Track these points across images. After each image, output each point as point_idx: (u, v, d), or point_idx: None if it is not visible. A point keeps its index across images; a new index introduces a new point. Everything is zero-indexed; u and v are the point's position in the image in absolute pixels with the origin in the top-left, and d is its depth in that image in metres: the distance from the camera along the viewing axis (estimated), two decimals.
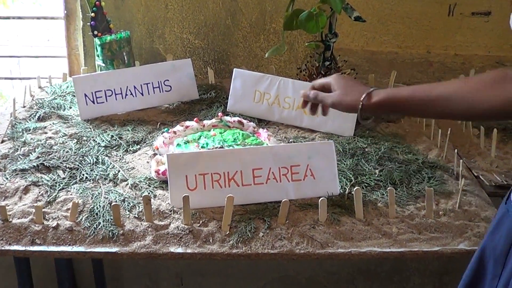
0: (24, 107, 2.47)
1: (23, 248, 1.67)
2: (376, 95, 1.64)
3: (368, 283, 3.23)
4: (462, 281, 1.53)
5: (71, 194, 1.87)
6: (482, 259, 1.46)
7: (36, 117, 2.37)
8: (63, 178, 1.95)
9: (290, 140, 2.26)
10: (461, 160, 2.09)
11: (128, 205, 1.82)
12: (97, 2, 2.47)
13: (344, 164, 2.07)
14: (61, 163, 2.03)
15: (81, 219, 1.76)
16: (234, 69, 2.46)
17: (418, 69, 2.97)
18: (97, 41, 2.48)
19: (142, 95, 2.48)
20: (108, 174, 1.99)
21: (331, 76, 1.76)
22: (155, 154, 2.12)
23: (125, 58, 2.55)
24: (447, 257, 1.73)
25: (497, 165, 2.17)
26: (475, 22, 2.89)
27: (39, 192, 1.88)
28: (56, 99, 2.55)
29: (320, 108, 1.82)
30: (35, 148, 2.12)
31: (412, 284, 3.24)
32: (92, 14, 2.47)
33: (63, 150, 2.11)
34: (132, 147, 2.18)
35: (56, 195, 1.86)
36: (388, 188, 1.83)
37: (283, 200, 1.75)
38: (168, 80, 2.53)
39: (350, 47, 2.94)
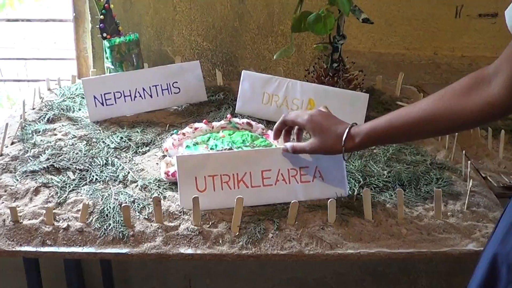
0: (33, 109, 2.48)
1: (34, 249, 1.68)
2: (356, 136, 1.68)
3: (376, 284, 3.23)
4: None
5: (81, 196, 1.88)
6: (494, 266, 1.43)
7: (46, 119, 2.38)
8: (73, 180, 1.96)
9: None
10: (469, 162, 2.09)
11: (138, 206, 1.83)
12: (106, 5, 2.48)
13: (353, 165, 2.08)
14: (71, 164, 2.04)
15: (92, 220, 1.76)
16: (243, 71, 2.47)
17: (426, 70, 2.97)
18: (106, 43, 2.49)
19: (151, 97, 2.49)
20: (118, 175, 2.00)
21: (304, 119, 1.80)
22: (164, 156, 2.12)
23: (134, 60, 2.56)
24: (456, 258, 1.74)
25: (505, 166, 2.17)
26: (482, 23, 2.89)
27: (50, 194, 1.89)
28: (65, 101, 2.56)
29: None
30: (45, 150, 2.13)
31: (420, 286, 3.24)
32: (101, 17, 2.47)
33: (73, 152, 2.12)
34: (141, 148, 2.19)
35: (66, 197, 1.87)
36: (396, 189, 1.84)
37: (292, 201, 1.76)
38: (176, 82, 2.53)
39: (357, 49, 2.94)
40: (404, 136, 1.68)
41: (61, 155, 2.10)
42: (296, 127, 1.90)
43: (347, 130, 1.69)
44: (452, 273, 3.20)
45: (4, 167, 2.03)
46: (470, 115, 1.48)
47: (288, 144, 1.86)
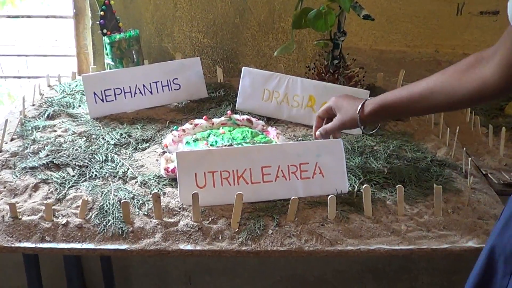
0: (33, 105, 2.48)
1: (33, 245, 1.68)
2: (369, 105, 1.87)
3: (376, 282, 3.23)
4: (471, 281, 1.52)
5: (80, 192, 1.88)
6: (491, 258, 1.45)
7: (46, 115, 2.38)
8: (73, 176, 1.96)
9: (299, 138, 2.26)
10: (469, 158, 2.08)
11: (137, 202, 1.83)
12: (106, 1, 2.48)
13: (353, 162, 2.07)
14: (70, 161, 2.04)
15: (91, 216, 1.76)
16: (243, 67, 2.46)
17: (427, 68, 2.97)
18: (106, 39, 2.49)
19: (151, 93, 2.49)
20: (118, 171, 1.99)
21: (330, 100, 2.02)
22: (164, 152, 2.12)
23: (134, 57, 2.56)
24: (456, 255, 1.73)
25: (505, 163, 2.17)
26: (484, 21, 2.88)
27: (49, 190, 1.89)
28: (65, 97, 2.56)
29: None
30: (44, 146, 2.13)
31: (420, 283, 3.24)
32: (101, 13, 2.47)
33: (73, 148, 2.12)
34: (141, 145, 2.19)
35: (65, 193, 1.87)
36: (397, 186, 1.83)
37: (292, 198, 1.75)
38: (177, 79, 2.53)
39: (358, 46, 2.94)
40: (411, 107, 1.77)
41: (61, 152, 2.09)
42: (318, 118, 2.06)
43: (362, 101, 1.89)
44: (453, 271, 3.20)
45: (3, 163, 2.02)
46: (465, 92, 1.57)
47: (319, 129, 2.02)
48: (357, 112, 1.88)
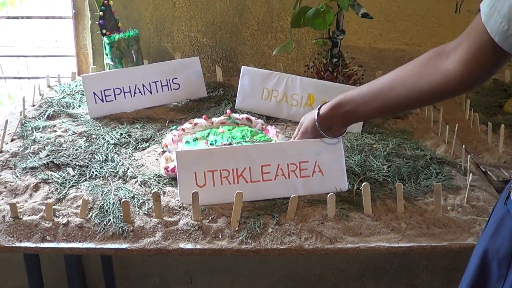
0: (33, 106, 2.49)
1: (33, 245, 1.68)
2: (328, 104, 1.81)
3: (376, 280, 3.24)
4: (465, 285, 1.51)
5: (81, 191, 1.88)
6: (484, 261, 1.44)
7: (46, 115, 2.39)
8: (73, 176, 1.97)
9: None
10: (468, 156, 2.09)
11: (137, 201, 1.83)
12: (105, 1, 2.48)
13: (353, 160, 2.08)
14: (70, 160, 2.04)
15: (91, 216, 1.77)
16: (242, 66, 2.47)
17: None
18: (105, 39, 2.49)
19: (151, 93, 2.49)
20: (118, 171, 2.00)
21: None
22: (164, 151, 2.13)
23: (134, 57, 2.56)
24: (456, 253, 1.74)
25: (504, 161, 2.17)
26: None
27: (49, 190, 1.89)
28: (65, 97, 2.56)
29: None
30: (44, 146, 2.13)
31: (420, 281, 3.24)
32: (101, 13, 2.48)
33: (73, 148, 2.13)
34: (141, 144, 2.19)
35: (66, 193, 1.88)
36: (396, 184, 1.84)
37: (291, 196, 1.76)
38: (176, 78, 2.54)
39: (357, 44, 2.94)
40: (371, 104, 1.70)
41: (61, 152, 2.10)
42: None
43: (320, 105, 1.84)
44: (453, 269, 3.20)
45: (4, 164, 2.03)
46: (427, 87, 1.51)
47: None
48: (317, 108, 1.83)
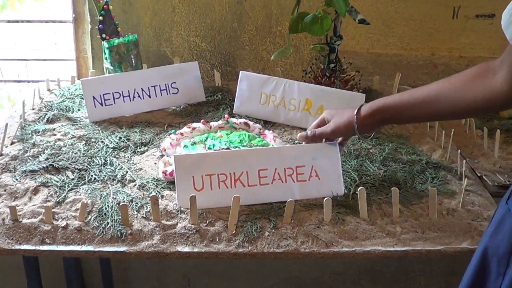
0: (33, 109, 2.50)
1: (33, 248, 1.70)
2: (367, 107, 1.80)
3: (374, 283, 3.25)
4: (464, 282, 1.54)
5: (80, 195, 1.90)
6: (484, 259, 1.47)
7: (45, 119, 2.40)
8: (72, 179, 1.98)
9: (296, 142, 2.28)
10: (464, 161, 2.11)
11: (136, 205, 1.85)
12: (105, 6, 2.49)
13: (349, 165, 2.09)
14: (70, 164, 2.06)
15: (90, 219, 1.78)
16: (240, 71, 2.48)
17: (423, 71, 2.99)
18: (105, 44, 2.50)
19: (150, 97, 2.51)
20: (116, 175, 2.02)
21: (323, 113, 1.93)
22: (162, 155, 2.14)
23: (133, 61, 2.58)
24: (453, 257, 1.75)
25: (500, 166, 2.19)
26: (480, 24, 2.90)
27: (49, 193, 1.91)
28: (64, 101, 2.58)
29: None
30: (44, 150, 2.15)
31: (418, 285, 3.26)
32: (100, 18, 2.49)
33: (72, 152, 2.14)
34: (139, 148, 2.21)
35: (65, 196, 1.89)
36: (392, 188, 1.85)
37: (288, 200, 1.77)
38: (175, 83, 2.55)
39: (355, 49, 2.96)
40: (412, 112, 1.72)
41: (60, 155, 2.11)
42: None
43: (359, 106, 1.83)
44: (450, 272, 3.21)
45: (4, 167, 2.04)
46: (473, 102, 1.54)
47: (309, 131, 1.94)
48: (355, 114, 1.81)
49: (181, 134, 2.19)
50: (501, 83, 1.47)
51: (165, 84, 2.54)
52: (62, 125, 2.36)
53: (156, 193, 1.90)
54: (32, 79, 3.15)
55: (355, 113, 1.81)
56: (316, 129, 1.92)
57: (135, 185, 1.97)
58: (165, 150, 2.14)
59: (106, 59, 2.53)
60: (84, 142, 2.23)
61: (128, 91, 2.47)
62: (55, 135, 2.29)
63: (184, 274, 3.20)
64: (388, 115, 1.77)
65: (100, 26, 2.50)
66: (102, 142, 2.23)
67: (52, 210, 1.80)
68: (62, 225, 1.75)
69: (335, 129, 1.88)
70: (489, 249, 1.46)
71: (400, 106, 1.73)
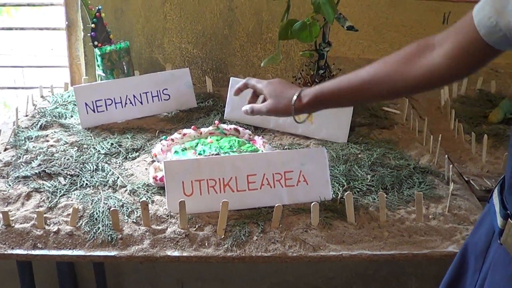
0: (26, 116, 2.53)
1: (25, 252, 1.72)
2: (306, 96, 1.74)
3: (366, 287, 3.26)
4: (446, 277, 1.58)
5: (71, 200, 1.92)
6: (464, 255, 1.52)
7: (38, 125, 2.43)
8: (64, 185, 2.00)
9: (285, 147, 2.31)
10: (451, 165, 2.13)
11: (126, 210, 1.87)
12: (97, 13, 2.51)
13: (338, 169, 2.12)
14: (62, 170, 2.08)
15: (81, 224, 1.81)
16: (231, 78, 2.51)
17: None
18: (97, 51, 2.52)
19: (141, 103, 2.54)
20: (108, 180, 2.04)
21: (264, 83, 1.87)
22: (153, 161, 2.17)
23: (125, 68, 2.60)
24: (445, 261, 1.77)
25: (487, 170, 2.21)
26: None
27: (41, 198, 1.93)
28: (57, 108, 2.60)
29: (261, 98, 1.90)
30: (37, 156, 2.17)
31: None
32: (93, 25, 2.51)
33: (64, 158, 2.17)
34: (131, 154, 2.23)
35: (57, 201, 1.92)
36: (379, 193, 1.88)
37: (276, 205, 1.80)
38: (166, 89, 2.58)
39: (346, 55, 2.98)
40: (351, 97, 1.69)
41: (53, 161, 2.14)
42: (252, 91, 1.94)
43: (297, 92, 1.75)
44: (442, 276, 3.20)
45: None
46: (411, 80, 1.51)
47: (248, 106, 1.89)
48: (292, 103, 1.75)
49: (172, 140, 2.21)
50: (441, 60, 1.43)
51: (157, 91, 2.56)
52: (54, 132, 2.39)
53: (147, 199, 1.93)
54: (28, 85, 3.16)
55: (293, 102, 1.75)
56: (254, 107, 1.87)
57: (126, 190, 1.99)
58: (156, 156, 2.16)
59: (98, 66, 2.56)
60: (76, 148, 2.25)
61: (120, 97, 2.49)
62: (47, 141, 2.31)
63: (178, 279, 3.22)
64: (327, 101, 1.73)
65: (92, 33, 2.52)
66: (94, 148, 2.25)
67: (44, 215, 1.82)
68: (54, 230, 1.77)
69: (271, 111, 1.83)
70: (469, 245, 1.50)
71: (338, 92, 1.68)
